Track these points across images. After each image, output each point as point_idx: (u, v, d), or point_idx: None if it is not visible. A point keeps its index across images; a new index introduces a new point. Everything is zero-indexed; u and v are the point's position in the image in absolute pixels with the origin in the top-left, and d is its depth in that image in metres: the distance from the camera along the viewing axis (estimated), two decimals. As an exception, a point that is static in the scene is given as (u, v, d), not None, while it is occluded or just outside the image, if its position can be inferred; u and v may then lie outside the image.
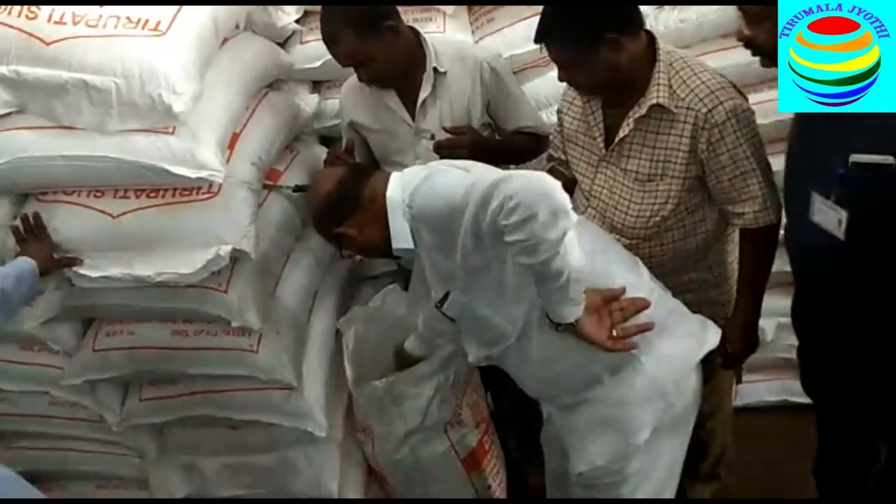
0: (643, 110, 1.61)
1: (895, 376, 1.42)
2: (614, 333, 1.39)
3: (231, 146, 1.81)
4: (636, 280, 1.50)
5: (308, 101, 2.26)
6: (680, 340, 1.49)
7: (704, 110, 1.56)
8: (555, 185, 1.25)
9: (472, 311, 1.47)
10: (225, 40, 1.92)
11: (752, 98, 2.22)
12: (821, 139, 1.36)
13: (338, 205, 1.50)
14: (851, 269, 1.36)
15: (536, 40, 1.60)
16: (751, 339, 1.76)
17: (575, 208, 1.81)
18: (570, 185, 1.87)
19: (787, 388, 2.50)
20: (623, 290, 1.43)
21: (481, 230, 1.29)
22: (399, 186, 1.47)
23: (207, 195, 1.72)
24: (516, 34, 2.18)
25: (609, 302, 1.41)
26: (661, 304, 1.49)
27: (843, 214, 1.30)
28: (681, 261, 1.74)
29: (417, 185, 1.42)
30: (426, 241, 1.43)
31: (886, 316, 1.37)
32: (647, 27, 1.66)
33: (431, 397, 1.97)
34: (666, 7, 2.20)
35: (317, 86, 2.36)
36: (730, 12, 2.15)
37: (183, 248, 1.70)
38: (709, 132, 1.56)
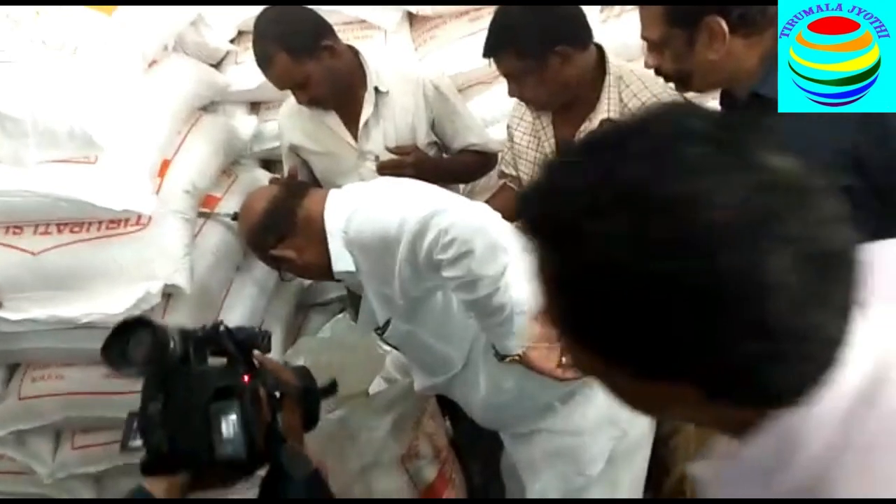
0: (594, 124, 1.57)
1: None
2: (563, 361, 1.33)
3: (161, 174, 1.70)
4: None
5: (246, 124, 2.16)
6: None
7: (655, 123, 1.52)
8: (491, 218, 1.20)
9: (415, 339, 1.41)
10: (153, 62, 1.81)
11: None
12: None
13: (272, 226, 1.41)
14: None
15: (485, 54, 1.56)
16: None
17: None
18: (521, 202, 1.82)
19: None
20: None
21: (418, 262, 1.23)
22: (337, 206, 1.39)
23: (136, 227, 1.61)
24: (460, 51, 2.13)
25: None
26: None
27: None
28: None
29: (353, 209, 1.35)
30: (363, 268, 1.36)
31: None
32: (599, 43, 1.63)
33: (389, 430, 1.89)
34: (611, 20, 2.18)
35: (255, 107, 2.26)
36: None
37: (111, 286, 1.57)
38: (660, 145, 1.52)
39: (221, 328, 1.00)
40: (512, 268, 1.20)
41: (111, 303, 1.56)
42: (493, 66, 1.59)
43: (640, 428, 1.45)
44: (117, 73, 1.56)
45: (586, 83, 1.56)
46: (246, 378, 0.94)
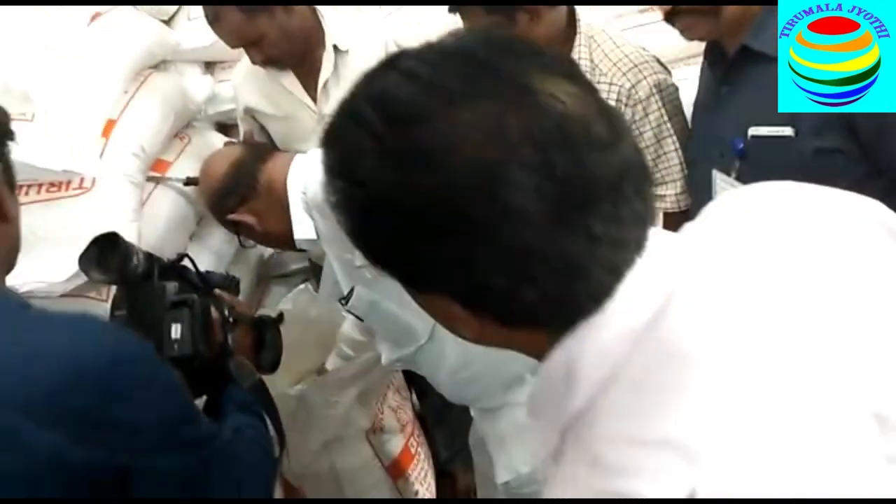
0: (564, 86, 1.50)
1: None
2: None
3: (106, 134, 1.59)
4: None
5: (200, 84, 2.04)
6: None
7: (628, 85, 1.47)
8: None
9: (379, 308, 1.34)
10: (97, 15, 1.69)
11: (676, 74, 2.22)
12: (719, 113, 1.31)
13: (231, 189, 1.34)
14: None
15: (450, 8, 1.48)
16: None
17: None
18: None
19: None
20: None
21: None
22: (301, 172, 1.31)
23: (79, 191, 1.50)
24: (428, 9, 2.03)
25: None
26: None
27: None
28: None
29: (313, 168, 1.27)
30: (323, 231, 1.29)
31: None
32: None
33: (351, 404, 1.83)
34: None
35: (210, 67, 2.14)
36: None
37: (52, 253, 1.46)
38: (632, 109, 1.48)
39: (185, 259, 1.19)
40: None
41: (52, 271, 1.45)
42: (462, 23, 1.51)
43: None
44: (56, 25, 1.44)
45: (557, 42, 1.50)
46: (196, 296, 1.09)
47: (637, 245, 0.56)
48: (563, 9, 1.51)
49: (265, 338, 1.25)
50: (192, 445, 0.84)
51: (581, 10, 1.56)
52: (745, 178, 1.24)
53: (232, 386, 1.08)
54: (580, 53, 1.50)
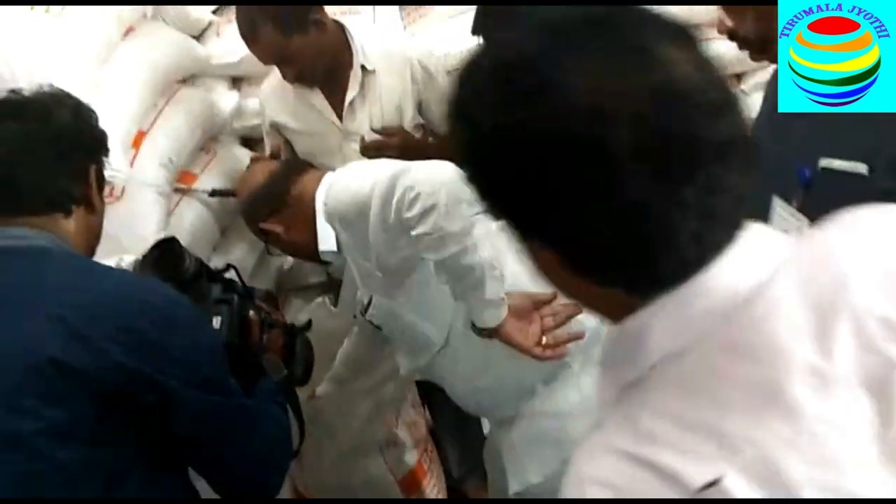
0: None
1: None
2: (544, 341, 1.30)
3: (136, 145, 1.63)
4: None
5: (227, 99, 2.07)
6: None
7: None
8: (457, 172, 1.16)
9: (396, 316, 1.39)
10: (130, 29, 1.73)
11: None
12: (787, 135, 1.28)
13: (264, 199, 1.46)
14: None
15: (474, 31, 1.51)
16: None
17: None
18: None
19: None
20: (555, 295, 1.33)
21: (389, 226, 1.21)
22: (326, 186, 1.40)
23: (110, 199, 1.53)
24: (451, 30, 2.07)
25: (539, 306, 1.31)
26: None
27: (804, 223, 1.20)
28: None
29: (336, 182, 1.33)
30: (344, 242, 1.35)
31: None
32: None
33: (367, 417, 1.84)
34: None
35: (237, 82, 2.18)
36: (672, 11, 2.08)
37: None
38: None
39: (232, 270, 1.36)
40: (482, 229, 1.19)
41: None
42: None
43: None
44: (91, 37, 1.48)
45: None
46: (236, 298, 1.25)
47: (732, 222, 0.55)
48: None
49: (295, 344, 1.37)
50: (227, 392, 1.03)
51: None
52: (807, 210, 1.19)
53: (263, 378, 1.24)
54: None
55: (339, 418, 1.78)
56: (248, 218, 1.51)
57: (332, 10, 1.98)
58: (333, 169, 1.53)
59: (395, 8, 2.18)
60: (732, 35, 1.25)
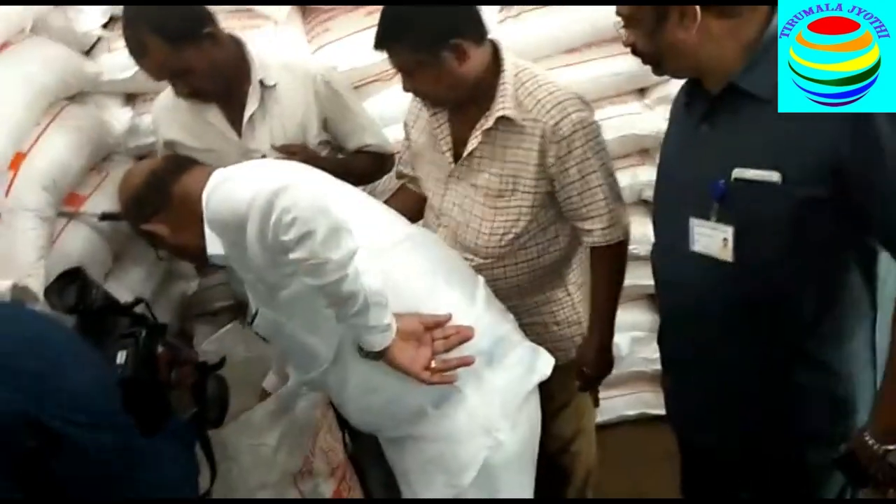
0: (490, 122, 1.51)
1: (756, 416, 1.34)
2: (433, 365, 1.27)
3: (14, 167, 1.51)
4: (465, 305, 1.37)
5: (119, 117, 1.98)
6: (508, 371, 1.38)
7: (552, 122, 1.48)
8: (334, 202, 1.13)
9: (283, 330, 1.33)
10: (6, 45, 1.62)
11: (597, 114, 2.25)
12: (697, 154, 1.28)
13: (145, 198, 1.36)
14: (735, 293, 1.25)
15: (376, 46, 1.47)
16: (606, 360, 1.70)
17: (426, 227, 1.72)
18: (420, 203, 1.76)
19: (644, 402, 2.52)
20: (448, 318, 1.31)
21: (268, 245, 1.15)
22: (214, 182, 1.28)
23: (-18, 227, 1.42)
24: (356, 45, 2.03)
25: (430, 329, 1.29)
26: (490, 331, 1.38)
27: (728, 231, 1.22)
28: (536, 280, 1.66)
29: (214, 185, 1.24)
30: (226, 250, 1.26)
31: (755, 349, 1.28)
32: (494, 39, 1.56)
33: (276, 448, 1.75)
34: (508, 21, 2.15)
35: (131, 99, 2.08)
36: (574, 26, 2.13)
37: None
38: (557, 145, 1.49)
39: (142, 304, 1.35)
40: (365, 256, 1.14)
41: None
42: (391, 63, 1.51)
43: (518, 437, 1.38)
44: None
45: (482, 80, 1.51)
46: (143, 332, 1.22)
47: None
48: (488, 46, 1.53)
49: (207, 382, 1.34)
50: (117, 430, 0.99)
51: (506, 49, 1.58)
52: (725, 221, 1.21)
53: (170, 416, 1.19)
54: (506, 91, 1.51)
55: (246, 452, 1.69)
56: (131, 219, 1.40)
57: (230, 26, 1.91)
58: (223, 161, 1.44)
59: (298, 23, 2.13)
60: (634, 50, 1.27)
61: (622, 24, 1.27)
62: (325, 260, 1.10)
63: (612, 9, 1.28)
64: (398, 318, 1.23)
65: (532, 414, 1.42)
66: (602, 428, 2.35)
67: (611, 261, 1.61)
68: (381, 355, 1.24)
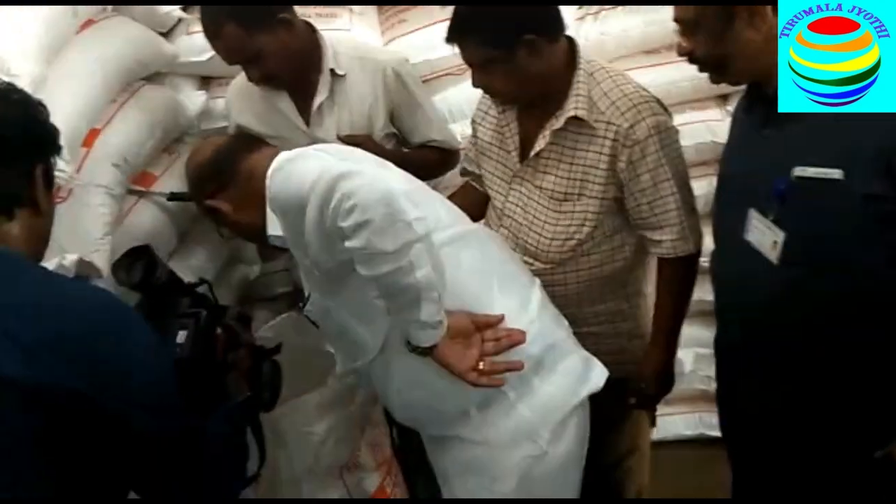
0: (560, 122, 1.46)
1: (818, 428, 1.28)
2: (481, 366, 1.23)
3: (88, 144, 1.55)
4: (518, 308, 1.33)
5: (193, 99, 2.01)
6: (558, 379, 1.33)
7: (626, 125, 1.42)
8: (401, 189, 1.11)
9: (332, 317, 1.32)
10: (90, 22, 1.66)
11: (675, 119, 2.16)
12: (760, 154, 1.25)
13: (211, 174, 1.37)
14: (781, 298, 1.23)
15: (448, 39, 1.44)
16: (666, 378, 1.63)
17: (488, 226, 1.68)
18: (483, 202, 1.72)
19: (704, 422, 2.42)
20: (500, 319, 1.27)
21: (326, 230, 1.13)
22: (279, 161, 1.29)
23: (56, 200, 1.45)
24: (430, 37, 2.00)
25: (481, 329, 1.25)
26: (542, 337, 1.33)
27: (780, 236, 1.19)
28: (596, 289, 1.59)
29: (278, 165, 1.24)
30: (285, 231, 1.26)
31: (815, 357, 1.24)
32: (570, 36, 1.52)
33: (324, 438, 1.76)
34: (588, 18, 2.08)
35: (206, 82, 2.11)
36: (655, 27, 2.06)
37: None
38: (629, 149, 1.43)
39: (205, 284, 1.35)
40: (421, 249, 1.11)
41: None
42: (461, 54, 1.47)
43: (563, 448, 1.33)
44: (40, 28, 1.40)
45: (555, 78, 1.46)
46: (204, 313, 1.22)
47: None
48: (564, 45, 1.48)
49: (262, 367, 1.34)
50: (174, 414, 1.00)
51: (584, 47, 1.53)
52: (785, 221, 1.19)
53: (224, 398, 1.20)
54: (579, 91, 1.45)
55: (295, 437, 1.69)
56: (195, 194, 1.42)
57: (307, 13, 1.92)
58: (289, 148, 1.45)
59: (373, 14, 2.12)
60: (692, 57, 1.22)
61: (681, 30, 1.24)
62: (380, 250, 1.08)
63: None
64: (449, 315, 1.20)
65: (580, 426, 1.36)
66: (657, 446, 2.27)
67: (679, 274, 1.54)
68: (428, 351, 1.21)
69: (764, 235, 1.22)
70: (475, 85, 1.49)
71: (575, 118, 1.45)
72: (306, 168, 1.18)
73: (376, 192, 1.08)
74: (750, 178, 1.26)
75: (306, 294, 1.38)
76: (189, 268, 1.85)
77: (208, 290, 1.37)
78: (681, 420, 2.43)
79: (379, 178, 1.12)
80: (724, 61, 1.22)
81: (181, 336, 1.19)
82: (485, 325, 1.25)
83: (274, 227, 1.28)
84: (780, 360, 1.28)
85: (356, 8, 2.04)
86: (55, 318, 0.91)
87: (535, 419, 1.30)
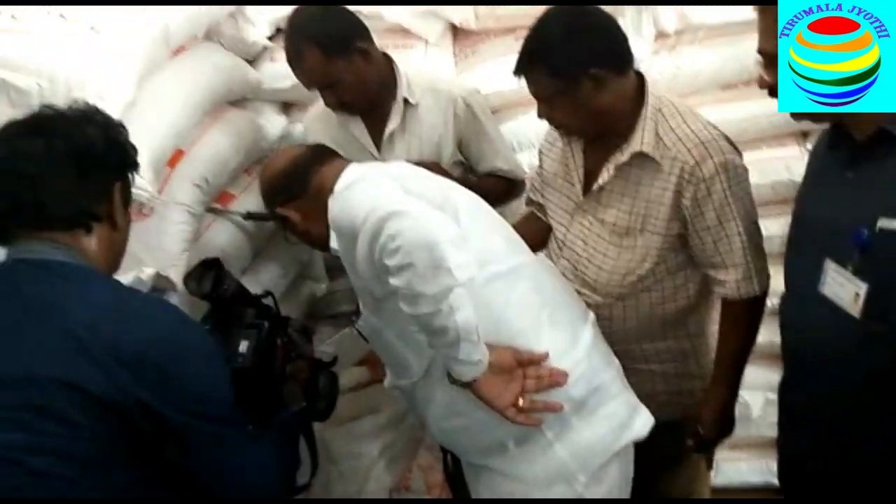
0: (625, 157, 1.46)
1: (876, 489, 1.21)
2: (520, 402, 1.23)
3: (173, 163, 1.65)
4: (566, 346, 1.32)
5: (274, 123, 2.10)
6: (599, 423, 1.31)
7: (692, 162, 1.40)
8: (447, 236, 1.11)
9: (381, 335, 1.34)
10: (182, 49, 1.77)
11: (751, 156, 2.10)
12: (840, 198, 1.19)
13: (284, 184, 1.43)
14: (859, 352, 1.17)
15: (516, 71, 1.47)
16: (726, 422, 1.58)
17: (549, 257, 1.68)
18: (546, 232, 1.72)
19: (771, 470, 2.30)
20: (544, 356, 1.26)
21: (374, 261, 1.16)
22: (346, 179, 1.32)
23: (137, 217, 1.54)
24: (501, 69, 2.02)
25: (524, 365, 1.25)
26: (587, 379, 1.31)
27: (863, 288, 1.13)
28: (657, 327, 1.57)
29: (342, 188, 1.28)
30: (340, 250, 1.29)
31: (882, 416, 1.17)
32: (639, 71, 1.51)
33: (376, 459, 1.79)
34: (662, 52, 2.07)
35: (287, 108, 2.21)
36: (731, 62, 2.02)
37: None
38: (695, 187, 1.41)
39: (270, 297, 1.44)
40: (465, 293, 1.11)
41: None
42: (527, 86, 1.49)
43: (601, 493, 1.30)
44: (135, 54, 1.51)
45: (622, 112, 1.45)
46: (266, 324, 1.31)
47: None
48: (633, 78, 1.48)
49: (319, 379, 1.40)
50: (230, 423, 1.06)
51: (658, 81, 1.52)
52: (864, 273, 1.13)
53: (281, 408, 1.27)
54: (646, 126, 1.44)
55: (347, 457, 1.73)
56: (267, 201, 1.48)
57: (385, 43, 1.99)
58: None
59: (448, 45, 2.17)
60: (772, 91, 1.18)
61: (764, 62, 1.19)
62: (419, 293, 1.10)
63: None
64: (492, 349, 1.21)
65: (622, 472, 1.34)
66: (721, 492, 2.19)
67: (743, 316, 1.49)
68: (468, 385, 1.22)
69: (843, 287, 1.17)
70: (539, 116, 1.51)
71: (640, 153, 1.44)
72: (362, 198, 1.21)
73: (421, 237, 1.09)
74: (828, 224, 1.21)
75: (360, 309, 1.40)
76: (261, 283, 1.92)
77: (273, 302, 1.43)
78: (746, 466, 2.34)
79: (426, 220, 1.12)
80: None
81: (243, 346, 1.25)
82: (528, 362, 1.25)
83: (335, 242, 1.31)
84: (846, 415, 1.22)
85: (432, 39, 2.10)
86: (126, 334, 0.97)
87: (571, 462, 1.29)
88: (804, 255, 1.28)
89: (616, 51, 1.44)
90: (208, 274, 1.34)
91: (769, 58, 1.18)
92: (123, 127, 1.16)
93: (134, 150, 1.16)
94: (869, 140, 1.12)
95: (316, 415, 1.41)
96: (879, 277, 1.12)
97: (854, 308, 1.15)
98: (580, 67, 1.38)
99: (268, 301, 1.43)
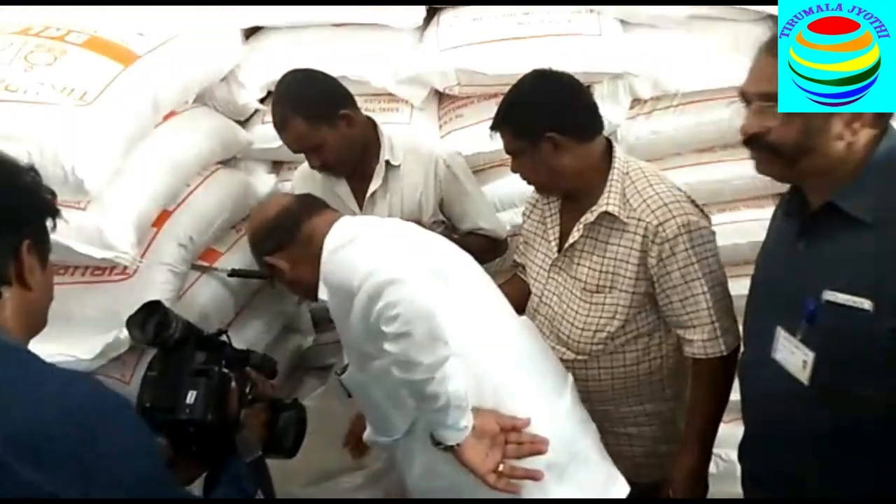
0: (593, 217, 1.50)
1: None
2: (500, 468, 1.24)
3: (158, 224, 1.70)
4: (547, 412, 1.33)
5: (264, 181, 2.16)
6: (577, 489, 1.32)
7: (655, 223, 1.44)
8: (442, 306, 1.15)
9: (365, 391, 1.35)
10: (172, 114, 1.84)
11: (730, 216, 2.15)
12: (791, 268, 1.22)
13: (273, 233, 1.43)
14: (808, 416, 1.19)
15: (491, 127, 1.55)
16: (698, 483, 1.57)
17: (528, 313, 1.71)
18: (528, 293, 1.75)
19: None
20: (526, 422, 1.28)
21: (369, 325, 1.18)
22: (340, 233, 1.35)
23: (122, 277, 1.60)
24: (484, 131, 2.07)
25: (507, 431, 1.27)
26: (566, 445, 1.32)
27: (810, 356, 1.16)
28: (633, 388, 1.58)
29: (337, 246, 1.30)
30: (330, 305, 1.32)
31: (834, 478, 1.18)
32: (617, 136, 1.55)
33: (355, 515, 1.79)
34: (640, 118, 2.12)
35: (276, 166, 2.27)
36: (707, 126, 2.07)
37: (86, 332, 1.55)
38: (659, 247, 1.44)
39: (224, 335, 1.35)
40: (459, 363, 1.14)
41: (82, 349, 1.54)
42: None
43: None
44: (124, 122, 1.58)
45: (588, 174, 1.51)
46: (218, 369, 1.23)
47: None
48: (601, 142, 1.53)
49: (278, 420, 1.34)
50: (162, 491, 0.92)
51: (634, 146, 1.56)
52: (811, 342, 1.16)
53: (234, 458, 1.20)
54: (612, 188, 1.49)
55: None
56: (255, 249, 1.48)
57: (370, 107, 2.06)
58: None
59: (433, 109, 2.24)
60: (759, 139, 1.20)
61: (753, 107, 1.14)
62: (416, 362, 1.13)
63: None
64: (476, 414, 1.23)
65: None
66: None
67: (711, 376, 1.51)
68: (451, 449, 1.23)
69: (793, 354, 1.19)
70: (512, 170, 1.58)
71: (607, 213, 1.48)
72: (359, 260, 1.23)
73: (419, 308, 1.12)
74: (780, 292, 1.24)
75: (345, 362, 1.41)
76: (244, 339, 1.94)
77: (227, 339, 1.35)
78: (736, 526, 2.30)
79: (423, 291, 1.15)
80: (801, 151, 1.12)
81: (191, 396, 1.18)
82: (510, 428, 1.27)
83: (324, 293, 1.33)
84: (800, 476, 1.23)
85: (417, 102, 2.17)
86: (32, 415, 0.84)
87: None
88: (758, 320, 1.31)
89: (578, 117, 1.50)
90: (151, 318, 1.26)
91: (765, 98, 1.13)
92: (35, 172, 0.99)
93: (46, 201, 0.99)
94: (819, 211, 1.15)
95: (282, 452, 1.36)
96: (825, 347, 1.14)
97: (802, 374, 1.17)
98: (539, 130, 1.45)
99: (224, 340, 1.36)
